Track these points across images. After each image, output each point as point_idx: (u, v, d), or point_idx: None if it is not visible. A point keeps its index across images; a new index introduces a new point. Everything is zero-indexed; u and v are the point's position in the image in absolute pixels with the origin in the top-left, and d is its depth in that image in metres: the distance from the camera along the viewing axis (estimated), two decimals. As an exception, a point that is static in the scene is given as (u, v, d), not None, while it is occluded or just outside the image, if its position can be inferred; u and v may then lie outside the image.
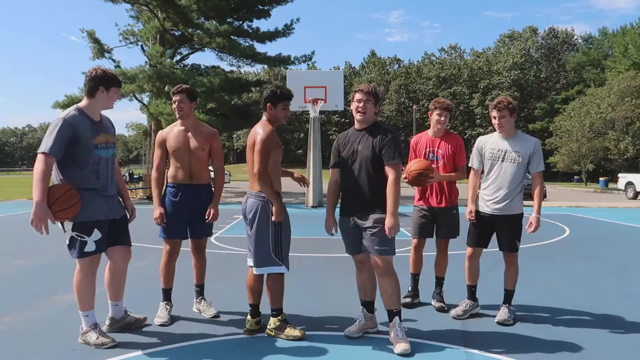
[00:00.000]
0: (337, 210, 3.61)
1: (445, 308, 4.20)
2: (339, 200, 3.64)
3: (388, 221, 3.27)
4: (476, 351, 3.26)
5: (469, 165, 4.17)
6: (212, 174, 4.04)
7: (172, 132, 3.89)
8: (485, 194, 3.95)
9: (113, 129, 3.48)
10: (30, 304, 4.23)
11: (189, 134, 3.86)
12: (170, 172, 3.91)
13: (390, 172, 3.33)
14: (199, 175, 3.87)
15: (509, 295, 3.97)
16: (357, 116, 3.44)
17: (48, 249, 7.04)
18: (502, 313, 3.88)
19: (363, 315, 3.60)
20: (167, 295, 3.94)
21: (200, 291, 4.11)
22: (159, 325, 3.76)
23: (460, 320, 3.93)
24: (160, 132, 3.98)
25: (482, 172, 4.03)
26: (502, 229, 3.92)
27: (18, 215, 11.99)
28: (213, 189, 3.99)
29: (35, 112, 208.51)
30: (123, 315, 3.61)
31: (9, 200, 17.00)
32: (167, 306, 3.90)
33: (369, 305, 3.62)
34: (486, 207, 3.93)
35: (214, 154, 3.94)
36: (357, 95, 3.42)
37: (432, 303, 4.31)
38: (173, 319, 3.86)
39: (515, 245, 3.91)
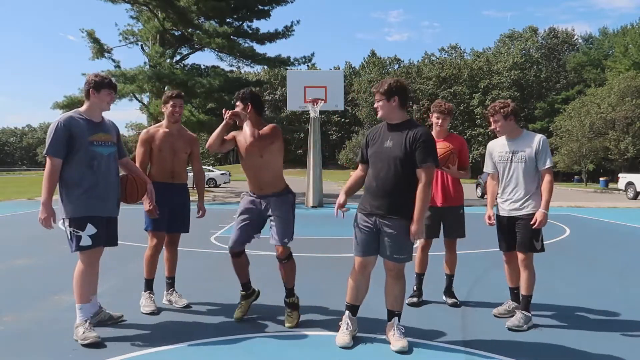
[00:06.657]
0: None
1: (458, 303, 4.25)
2: (358, 195, 3.56)
3: (414, 228, 3.19)
4: (476, 351, 3.26)
5: (484, 170, 4.18)
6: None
7: (159, 132, 4.13)
8: (501, 197, 3.91)
9: (115, 131, 3.66)
10: (30, 304, 4.23)
11: (174, 137, 4.15)
12: (153, 170, 4.13)
13: (421, 176, 3.19)
14: (180, 175, 4.18)
15: (525, 301, 3.75)
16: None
17: (48, 249, 7.04)
18: (515, 319, 3.71)
19: (350, 321, 3.44)
20: (150, 285, 4.14)
21: (171, 283, 4.30)
22: (148, 313, 3.92)
23: (460, 317, 3.94)
24: (145, 130, 4.22)
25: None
26: (519, 229, 3.76)
27: (18, 215, 11.98)
28: (193, 187, 4.32)
29: (35, 112, 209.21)
30: (97, 311, 3.63)
31: (8, 200, 16.99)
32: (151, 295, 4.10)
33: (355, 309, 3.52)
34: (503, 210, 3.88)
35: (194, 157, 4.32)
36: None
37: (444, 299, 4.32)
38: (166, 313, 3.98)
39: (532, 245, 3.71)
